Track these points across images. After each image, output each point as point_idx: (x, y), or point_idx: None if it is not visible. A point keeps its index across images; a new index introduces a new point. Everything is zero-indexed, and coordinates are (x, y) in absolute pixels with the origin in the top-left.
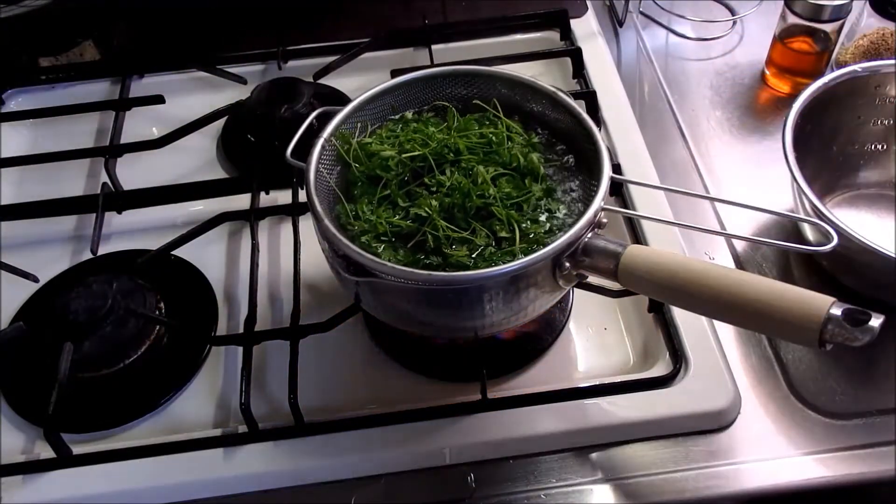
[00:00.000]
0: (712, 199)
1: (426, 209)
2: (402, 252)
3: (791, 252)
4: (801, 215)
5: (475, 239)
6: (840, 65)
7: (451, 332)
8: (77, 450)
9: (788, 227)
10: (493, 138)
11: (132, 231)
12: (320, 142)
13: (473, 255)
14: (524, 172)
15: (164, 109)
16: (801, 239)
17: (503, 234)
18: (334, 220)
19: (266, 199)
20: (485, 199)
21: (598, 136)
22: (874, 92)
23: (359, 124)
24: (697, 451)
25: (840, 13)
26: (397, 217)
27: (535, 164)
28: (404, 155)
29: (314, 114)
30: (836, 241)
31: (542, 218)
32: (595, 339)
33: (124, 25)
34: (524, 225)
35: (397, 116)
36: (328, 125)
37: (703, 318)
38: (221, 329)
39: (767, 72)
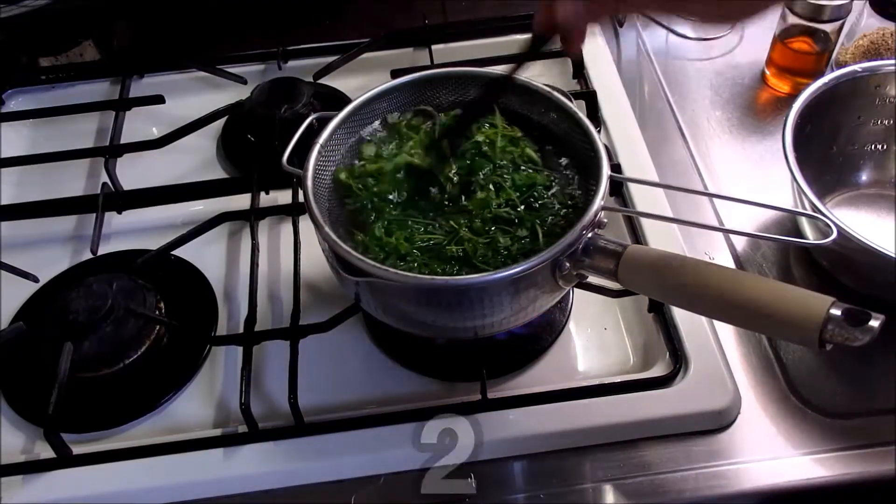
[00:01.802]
0: (711, 196)
1: (455, 224)
2: (433, 267)
3: (791, 252)
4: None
5: (500, 239)
6: (840, 65)
7: (451, 332)
8: (77, 450)
9: (788, 227)
10: (483, 139)
11: (132, 231)
12: (317, 147)
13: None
14: (520, 165)
15: (164, 109)
16: (801, 236)
17: (523, 234)
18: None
19: (266, 199)
20: (507, 209)
21: (596, 135)
22: (874, 92)
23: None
24: (697, 451)
25: (840, 13)
26: (420, 232)
27: (531, 156)
28: (409, 160)
29: (309, 119)
30: (835, 234)
31: (556, 206)
32: (595, 340)
33: (124, 25)
34: (540, 220)
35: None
36: (324, 131)
37: (703, 318)
38: (221, 329)
39: (767, 72)
